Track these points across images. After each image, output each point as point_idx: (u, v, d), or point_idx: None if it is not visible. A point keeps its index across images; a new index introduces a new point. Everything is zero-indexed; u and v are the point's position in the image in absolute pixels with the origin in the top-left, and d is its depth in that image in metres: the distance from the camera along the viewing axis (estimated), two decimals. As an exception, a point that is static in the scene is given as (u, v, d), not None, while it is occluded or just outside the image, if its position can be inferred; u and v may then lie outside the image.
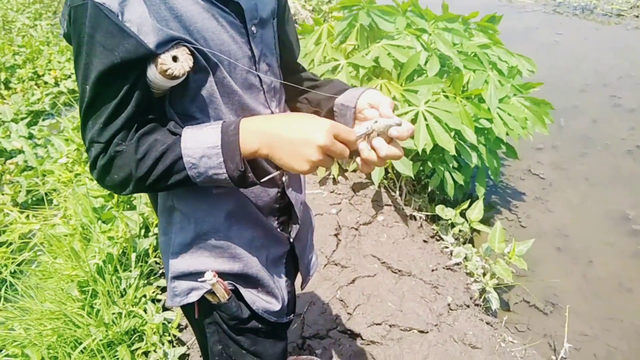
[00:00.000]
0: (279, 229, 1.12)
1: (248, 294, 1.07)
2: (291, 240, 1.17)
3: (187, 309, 1.14)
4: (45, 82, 5.29)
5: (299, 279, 1.34)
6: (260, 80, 0.98)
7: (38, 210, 3.05)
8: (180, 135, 0.85)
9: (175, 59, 0.81)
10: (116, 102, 0.81)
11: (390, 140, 0.90)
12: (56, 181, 3.32)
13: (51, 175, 3.41)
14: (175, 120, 0.90)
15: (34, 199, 3.39)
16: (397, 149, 0.89)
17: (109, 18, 0.75)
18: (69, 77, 5.44)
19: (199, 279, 1.00)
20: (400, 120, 0.88)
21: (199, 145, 0.83)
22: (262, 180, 0.90)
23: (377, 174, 2.65)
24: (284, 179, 1.08)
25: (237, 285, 1.05)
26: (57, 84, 5.30)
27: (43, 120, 4.64)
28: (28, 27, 6.94)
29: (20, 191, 3.34)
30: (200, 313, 1.10)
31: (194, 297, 1.04)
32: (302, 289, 1.36)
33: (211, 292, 1.03)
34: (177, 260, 1.03)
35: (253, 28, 0.94)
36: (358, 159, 0.90)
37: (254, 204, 1.03)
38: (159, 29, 0.78)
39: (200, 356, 2.06)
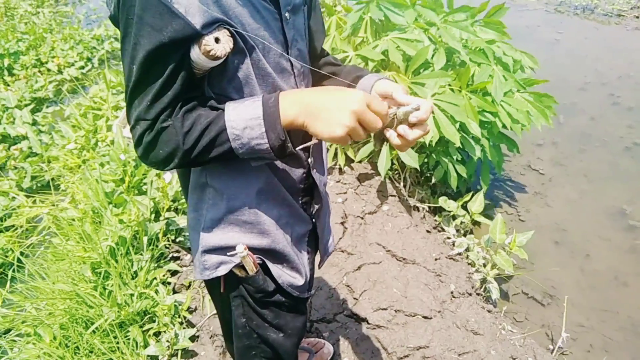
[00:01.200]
0: (303, 209, 1.17)
1: (275, 268, 1.11)
2: (313, 219, 1.22)
3: (212, 283, 1.18)
4: (49, 70, 5.30)
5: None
6: (292, 64, 1.03)
7: (44, 195, 3.08)
8: (223, 110, 0.89)
9: (217, 40, 0.85)
10: (163, 81, 0.84)
11: (413, 124, 0.95)
12: (62, 167, 3.35)
13: (56, 161, 3.44)
14: (213, 100, 0.95)
15: (38, 184, 3.42)
16: (421, 129, 0.96)
17: (159, 0, 0.79)
18: (72, 65, 5.46)
19: (229, 253, 1.05)
20: (418, 104, 0.94)
21: (242, 117, 0.88)
22: (298, 148, 0.95)
23: (384, 165, 2.70)
24: (309, 160, 1.13)
25: (265, 260, 1.10)
26: (60, 72, 5.32)
27: (47, 107, 4.65)
28: (30, 14, 6.94)
29: (25, 177, 3.37)
30: (226, 287, 1.15)
31: (222, 270, 1.09)
32: (319, 268, 1.41)
33: (239, 265, 1.08)
34: (209, 234, 1.08)
35: (287, 14, 0.98)
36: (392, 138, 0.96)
37: (282, 184, 1.08)
38: (205, 10, 0.82)
39: (211, 337, 2.12)
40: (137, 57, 0.83)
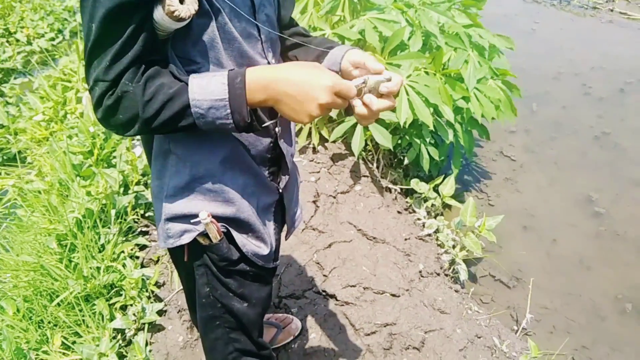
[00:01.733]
0: (269, 179, 1.16)
1: (239, 237, 1.11)
2: (280, 190, 1.21)
3: (176, 252, 1.17)
4: (17, 40, 5.15)
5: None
6: (259, 30, 1.01)
7: (10, 168, 3.00)
8: (186, 83, 0.87)
9: (181, 1, 0.83)
10: (123, 40, 0.82)
11: (381, 95, 0.95)
12: (29, 139, 3.27)
13: (24, 134, 3.35)
14: (176, 64, 0.93)
15: (4, 157, 3.33)
16: (389, 101, 0.96)
17: None
18: (42, 35, 5.30)
19: (192, 221, 1.04)
20: (390, 75, 0.95)
21: (207, 97, 0.86)
22: (264, 125, 0.96)
23: (358, 145, 2.71)
24: (277, 129, 1.12)
25: (229, 228, 1.09)
26: (29, 43, 5.16)
27: (14, 79, 4.52)
28: (-1, -18, 6.69)
29: (-9, 149, 3.28)
30: (190, 256, 1.13)
31: (186, 239, 1.08)
32: (286, 239, 1.41)
33: (203, 234, 1.07)
34: (172, 202, 1.06)
35: None
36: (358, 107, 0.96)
37: (248, 153, 1.07)
38: None
39: (178, 311, 2.11)
40: (97, 14, 0.80)
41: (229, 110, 0.87)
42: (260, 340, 1.31)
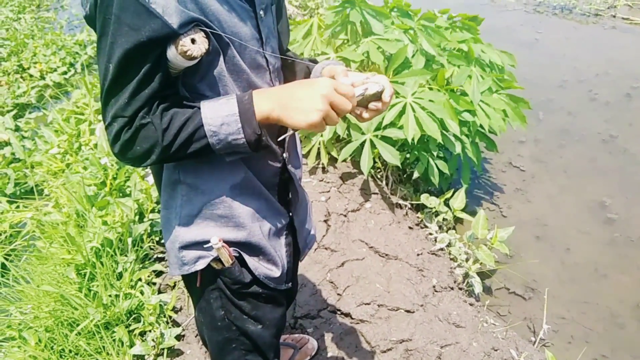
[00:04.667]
0: (279, 203, 1.20)
1: (251, 260, 1.14)
2: (290, 213, 1.25)
3: (190, 279, 1.21)
4: (31, 75, 5.28)
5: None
6: (267, 60, 1.07)
7: (28, 201, 3.07)
8: (198, 108, 0.93)
9: (193, 41, 0.88)
10: (139, 79, 0.87)
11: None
12: (46, 172, 3.34)
13: (40, 166, 3.43)
14: (187, 97, 0.98)
15: (22, 190, 3.40)
16: (384, 106, 1.05)
17: (137, 0, 0.82)
18: (55, 70, 5.43)
19: (206, 246, 1.08)
20: (383, 85, 1.02)
21: (218, 114, 0.92)
22: (279, 139, 1.04)
23: (367, 164, 2.74)
24: (284, 155, 1.16)
25: (241, 253, 1.13)
26: (42, 77, 5.30)
27: (29, 113, 4.63)
28: (12, 20, 6.89)
29: (8, 183, 3.35)
30: (203, 281, 1.17)
31: (201, 264, 1.12)
32: (300, 261, 1.44)
33: (216, 259, 1.11)
34: (185, 230, 1.10)
35: (261, 12, 1.02)
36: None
37: (258, 178, 1.11)
38: (182, 10, 0.85)
39: (196, 336, 2.14)
40: (114, 55, 0.85)
41: (240, 125, 0.92)
42: (277, 361, 1.33)
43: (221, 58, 0.96)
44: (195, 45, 0.88)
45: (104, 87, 0.89)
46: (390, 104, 1.07)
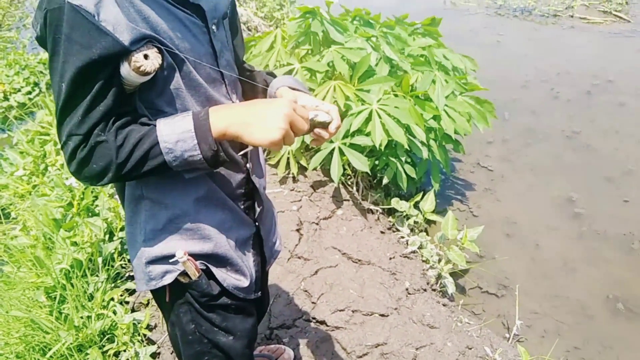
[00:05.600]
0: (245, 213, 1.22)
1: (218, 272, 1.15)
2: (256, 223, 1.26)
3: (159, 294, 1.21)
4: (-6, 97, 5.18)
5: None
6: (222, 74, 1.08)
7: (-6, 225, 3.01)
8: (154, 125, 0.93)
9: (146, 57, 0.89)
10: (92, 96, 0.88)
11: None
12: (12, 195, 3.28)
13: (6, 189, 3.36)
14: (145, 115, 0.99)
15: (-12, 215, 3.33)
16: (327, 137, 1.09)
17: (86, 19, 0.83)
18: (19, 90, 5.33)
19: (172, 260, 1.08)
20: (331, 117, 1.07)
21: (174, 131, 0.92)
22: (239, 154, 1.06)
23: (336, 171, 2.77)
24: (247, 165, 1.18)
25: (208, 265, 1.14)
26: (6, 98, 5.19)
27: (-7, 135, 4.54)
28: (-28, 41, 6.75)
29: (-27, 207, 3.28)
30: (171, 296, 1.17)
31: (168, 279, 1.12)
32: (267, 269, 1.45)
33: (183, 273, 1.11)
34: (151, 245, 1.10)
35: (213, 27, 1.04)
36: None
37: (222, 190, 1.12)
38: (132, 27, 0.86)
39: (172, 352, 2.12)
40: (67, 74, 0.86)
41: (195, 141, 0.92)
42: (250, 372, 1.34)
43: (177, 74, 0.97)
44: (148, 60, 0.89)
45: (58, 105, 0.90)
46: (334, 135, 1.11)
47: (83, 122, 0.89)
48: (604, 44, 6.26)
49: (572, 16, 7.15)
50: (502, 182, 3.90)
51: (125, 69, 0.89)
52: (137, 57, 0.88)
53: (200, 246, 1.11)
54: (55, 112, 0.92)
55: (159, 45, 0.91)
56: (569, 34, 6.61)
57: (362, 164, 2.76)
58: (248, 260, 1.25)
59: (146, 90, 0.97)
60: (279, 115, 0.93)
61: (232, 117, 0.95)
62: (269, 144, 0.93)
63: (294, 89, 1.16)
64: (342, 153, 2.82)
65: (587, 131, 4.46)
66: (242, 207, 1.21)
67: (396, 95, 2.88)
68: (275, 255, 1.42)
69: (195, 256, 1.11)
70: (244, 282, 1.20)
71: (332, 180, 3.12)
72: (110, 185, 2.77)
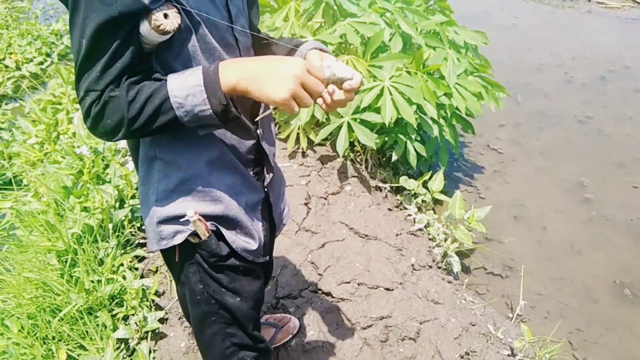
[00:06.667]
0: (255, 178, 1.23)
1: (228, 233, 1.17)
2: (266, 189, 1.28)
3: (169, 254, 1.23)
4: (6, 66, 5.20)
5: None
6: (237, 39, 1.09)
7: (6, 192, 3.05)
8: (165, 80, 0.94)
9: (166, 16, 0.90)
10: (111, 52, 0.89)
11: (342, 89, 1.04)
12: (24, 162, 3.32)
13: (18, 157, 3.40)
14: (158, 71, 0.99)
15: (0, 182, 3.37)
16: (349, 95, 1.04)
17: None
18: (31, 60, 5.36)
19: (183, 220, 1.10)
20: (352, 75, 1.03)
21: (184, 86, 0.93)
22: (257, 119, 1.07)
23: (342, 145, 2.77)
24: (258, 131, 1.19)
25: (218, 226, 1.15)
26: (18, 68, 5.22)
27: (6, 104, 4.57)
28: (-15, 10, 6.77)
29: (-15, 174, 3.32)
30: (181, 256, 1.19)
31: (179, 239, 1.14)
32: (276, 236, 1.46)
33: (194, 233, 1.13)
34: (162, 205, 1.12)
35: None
36: (319, 100, 1.05)
37: (233, 154, 1.13)
38: None
39: (179, 318, 2.16)
40: (87, 30, 0.86)
41: (205, 95, 0.93)
42: (256, 334, 1.36)
43: (194, 36, 0.97)
44: (167, 20, 0.90)
45: (77, 61, 0.91)
46: (354, 95, 1.06)
47: (100, 79, 0.90)
48: (621, 29, 6.17)
49: (589, 0, 7.04)
50: (511, 164, 3.89)
51: (145, 28, 0.90)
52: (157, 16, 0.89)
53: (211, 208, 1.13)
54: (75, 68, 0.93)
55: (177, 5, 0.92)
56: (585, 19, 6.52)
57: (369, 139, 2.76)
58: (257, 225, 1.26)
59: (163, 51, 0.97)
60: (289, 75, 0.92)
61: (242, 72, 0.94)
62: (276, 102, 0.93)
63: (324, 52, 1.15)
64: (350, 129, 2.82)
65: (600, 116, 4.42)
66: (252, 172, 1.22)
67: (409, 73, 2.86)
68: (284, 222, 1.44)
69: (206, 217, 1.12)
70: (253, 245, 1.22)
71: (342, 157, 3.12)
72: (121, 153, 2.80)
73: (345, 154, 3.17)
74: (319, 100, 1.06)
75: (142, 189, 1.16)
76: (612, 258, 3.02)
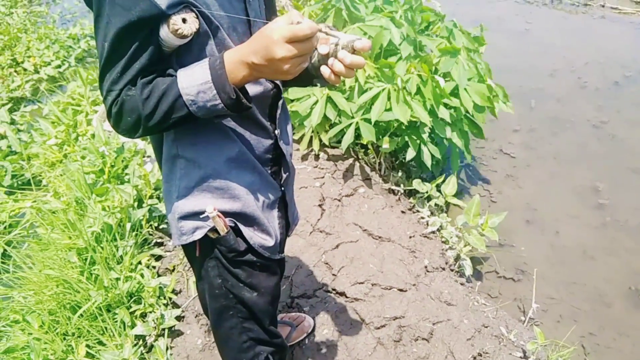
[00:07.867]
0: (272, 177, 1.27)
1: (246, 230, 1.21)
2: (282, 188, 1.32)
3: (190, 249, 1.27)
4: (25, 69, 5.30)
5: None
6: None
7: (26, 192, 3.11)
8: (176, 77, 0.99)
9: (184, 20, 0.95)
10: (130, 55, 0.95)
11: (353, 52, 0.99)
12: (43, 163, 3.38)
13: (37, 158, 3.47)
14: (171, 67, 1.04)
15: (19, 182, 3.44)
16: (360, 59, 0.99)
17: None
18: (49, 64, 5.45)
19: (202, 216, 1.14)
20: (359, 37, 1.00)
21: (193, 83, 0.97)
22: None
23: (347, 141, 2.82)
24: (276, 131, 1.23)
25: (237, 222, 1.20)
26: (37, 71, 5.32)
27: (24, 106, 4.66)
28: (4, 14, 6.88)
29: (5, 175, 3.39)
30: (201, 251, 1.24)
31: (198, 234, 1.18)
32: (288, 236, 1.50)
33: (213, 229, 1.17)
34: (183, 202, 1.17)
35: None
36: (329, 75, 1.00)
37: (252, 153, 1.18)
38: None
39: (196, 316, 2.20)
40: (109, 34, 0.93)
41: (214, 91, 0.97)
42: (272, 329, 1.40)
43: (212, 40, 1.02)
44: (186, 24, 0.95)
45: (100, 63, 0.97)
46: (364, 61, 1.00)
47: (120, 79, 0.96)
48: (635, 34, 6.14)
49: (603, 6, 7.01)
50: (525, 169, 3.89)
51: (164, 31, 0.95)
52: (176, 20, 0.94)
53: (230, 205, 1.17)
54: (99, 70, 0.99)
55: (195, 10, 0.96)
56: (599, 24, 6.49)
57: (369, 133, 2.77)
58: (274, 222, 1.30)
59: (183, 54, 1.02)
60: (278, 62, 0.90)
61: (247, 67, 0.95)
62: (285, 76, 0.93)
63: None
64: (357, 127, 2.84)
65: (614, 122, 4.41)
66: (269, 171, 1.26)
67: (419, 77, 2.89)
68: (295, 222, 1.48)
69: (225, 214, 1.17)
70: (270, 242, 1.26)
71: (356, 159, 3.15)
72: (139, 154, 2.85)
73: (360, 157, 3.20)
74: (336, 67, 0.98)
75: (165, 186, 1.20)
76: (626, 263, 3.01)
